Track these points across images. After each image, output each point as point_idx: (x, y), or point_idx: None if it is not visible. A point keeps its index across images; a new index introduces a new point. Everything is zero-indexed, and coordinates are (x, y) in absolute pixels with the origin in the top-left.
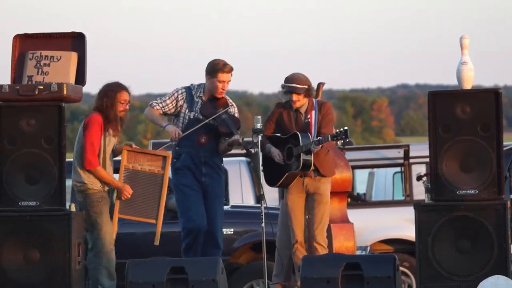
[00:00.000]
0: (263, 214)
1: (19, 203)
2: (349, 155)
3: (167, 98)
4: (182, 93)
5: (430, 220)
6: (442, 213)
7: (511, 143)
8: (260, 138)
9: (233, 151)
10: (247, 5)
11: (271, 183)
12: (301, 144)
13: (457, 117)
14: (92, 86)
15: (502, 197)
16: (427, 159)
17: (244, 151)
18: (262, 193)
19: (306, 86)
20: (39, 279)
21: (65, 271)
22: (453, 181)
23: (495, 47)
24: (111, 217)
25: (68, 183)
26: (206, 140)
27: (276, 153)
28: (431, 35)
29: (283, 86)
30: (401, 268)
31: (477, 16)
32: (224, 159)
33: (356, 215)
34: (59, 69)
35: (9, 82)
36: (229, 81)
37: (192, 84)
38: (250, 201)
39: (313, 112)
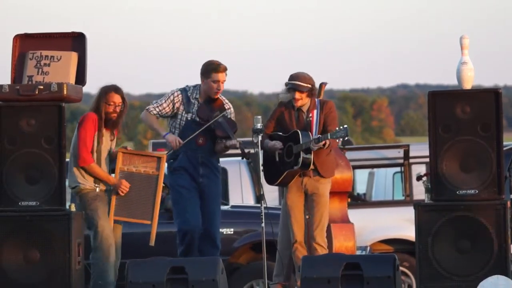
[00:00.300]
0: (263, 214)
1: (19, 203)
2: (349, 155)
3: (163, 101)
4: (178, 95)
5: (430, 220)
6: (442, 213)
7: (511, 143)
8: (260, 138)
9: (233, 151)
10: (247, 5)
11: (270, 181)
12: (301, 142)
13: (457, 117)
14: (92, 86)
15: (502, 197)
16: (427, 159)
17: (241, 154)
18: (262, 193)
19: (309, 85)
20: (39, 279)
21: (65, 271)
22: (453, 181)
23: (495, 47)
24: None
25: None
26: (203, 141)
27: (274, 143)
28: (431, 35)
29: (286, 84)
30: (401, 268)
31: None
32: (224, 159)
33: (356, 215)
34: (59, 69)
35: (9, 82)
36: (224, 81)
37: (187, 86)
38: (250, 201)
39: (315, 111)
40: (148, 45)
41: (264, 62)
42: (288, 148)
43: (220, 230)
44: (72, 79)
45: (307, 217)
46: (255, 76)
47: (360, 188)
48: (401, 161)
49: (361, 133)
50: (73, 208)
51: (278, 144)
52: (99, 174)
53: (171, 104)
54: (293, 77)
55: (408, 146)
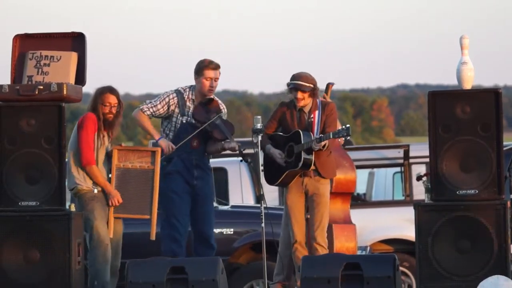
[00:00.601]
0: (263, 214)
1: (19, 203)
2: (349, 155)
3: (158, 103)
4: (174, 98)
5: (430, 220)
6: (442, 213)
7: (511, 143)
8: (260, 138)
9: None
10: (247, 5)
11: (271, 181)
12: (302, 142)
13: (457, 117)
14: (92, 86)
15: (502, 197)
16: (427, 159)
17: (240, 156)
18: (262, 193)
19: (312, 85)
20: (39, 279)
21: (65, 271)
22: (453, 181)
23: (495, 47)
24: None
25: None
26: (197, 144)
27: (277, 153)
28: (431, 35)
29: (288, 84)
30: (401, 268)
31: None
32: (224, 159)
33: (356, 215)
34: (59, 69)
35: (9, 82)
36: (217, 78)
37: (181, 87)
38: (250, 201)
39: (317, 112)
40: (148, 45)
41: (264, 62)
42: (289, 148)
43: (220, 230)
44: (72, 79)
45: (308, 217)
46: (255, 76)
47: (360, 188)
48: (401, 161)
49: (361, 133)
50: (73, 208)
51: (279, 155)
52: (97, 178)
53: (166, 106)
54: (295, 77)
55: (408, 146)
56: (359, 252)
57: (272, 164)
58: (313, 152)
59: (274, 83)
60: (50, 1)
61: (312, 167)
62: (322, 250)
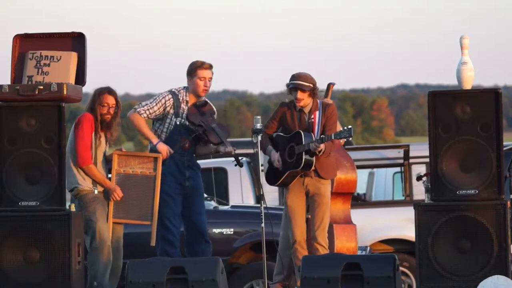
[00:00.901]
0: (263, 214)
1: (19, 203)
2: (349, 155)
3: (154, 104)
4: (170, 99)
5: (430, 220)
6: (442, 213)
7: (511, 143)
8: (259, 138)
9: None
10: (247, 5)
11: (272, 181)
12: (303, 143)
13: (457, 117)
14: (92, 86)
15: (502, 197)
16: (427, 159)
17: (235, 161)
18: (262, 193)
19: (311, 85)
20: (39, 279)
21: (65, 271)
22: (453, 181)
23: (495, 47)
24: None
25: None
26: (189, 145)
27: (275, 157)
28: (431, 35)
29: (288, 84)
30: (401, 268)
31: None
32: (224, 159)
33: (356, 215)
34: (59, 69)
35: (9, 82)
36: (210, 78)
37: (175, 88)
38: (250, 201)
39: (317, 112)
40: (148, 45)
41: (264, 62)
42: (290, 149)
43: (220, 230)
44: (72, 79)
45: (308, 217)
46: (255, 76)
47: (360, 188)
48: (401, 161)
49: (361, 133)
50: (73, 208)
51: (277, 162)
52: (96, 176)
53: (162, 107)
54: (294, 77)
55: (408, 146)
56: (359, 252)
57: (273, 164)
58: (314, 154)
59: (274, 83)
60: (50, 1)
61: (313, 167)
62: (323, 250)
